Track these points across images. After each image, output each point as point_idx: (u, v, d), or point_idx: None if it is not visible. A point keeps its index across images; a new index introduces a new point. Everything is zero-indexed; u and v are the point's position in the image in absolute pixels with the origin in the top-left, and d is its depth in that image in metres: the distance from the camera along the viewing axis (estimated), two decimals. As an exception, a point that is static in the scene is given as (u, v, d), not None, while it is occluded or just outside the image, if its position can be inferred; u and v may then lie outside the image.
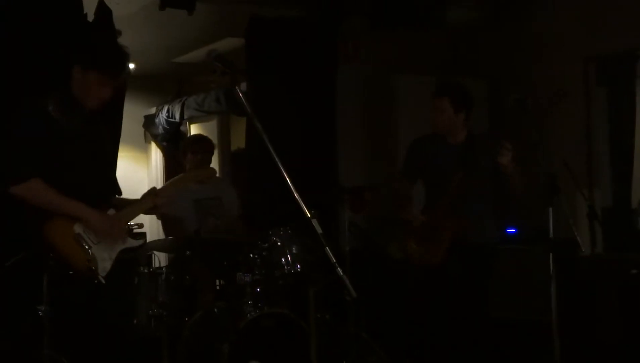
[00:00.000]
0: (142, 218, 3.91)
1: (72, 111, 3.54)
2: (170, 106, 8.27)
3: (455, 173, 4.47)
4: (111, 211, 3.66)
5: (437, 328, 4.66)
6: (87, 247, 3.53)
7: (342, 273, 2.77)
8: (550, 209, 4.33)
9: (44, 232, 3.50)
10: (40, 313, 4.46)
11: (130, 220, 3.75)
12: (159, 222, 5.54)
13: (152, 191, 3.90)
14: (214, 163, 5.92)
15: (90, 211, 3.56)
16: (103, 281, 3.53)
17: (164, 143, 8.51)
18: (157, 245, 5.04)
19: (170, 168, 8.26)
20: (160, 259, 5.11)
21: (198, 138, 6.17)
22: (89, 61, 3.53)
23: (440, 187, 4.57)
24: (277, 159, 3.00)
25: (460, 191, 4.45)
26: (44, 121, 3.49)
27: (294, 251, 4.69)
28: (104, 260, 3.58)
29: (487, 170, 4.46)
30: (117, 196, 3.84)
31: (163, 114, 8.33)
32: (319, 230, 2.84)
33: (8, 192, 3.48)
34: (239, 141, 7.71)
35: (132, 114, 7.79)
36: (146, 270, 4.44)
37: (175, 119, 8.22)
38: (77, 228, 3.55)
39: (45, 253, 3.51)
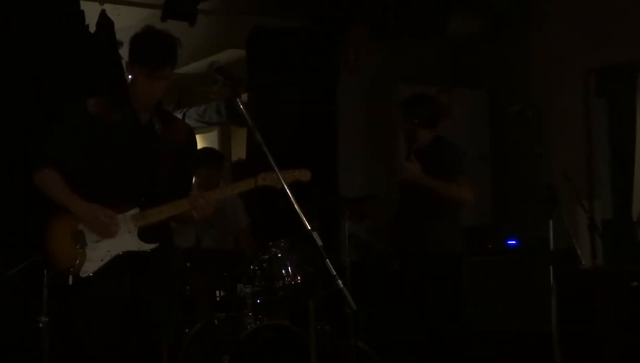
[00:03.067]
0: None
1: (116, 107, 3.45)
2: (171, 117, 8.26)
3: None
4: (134, 211, 3.41)
5: (430, 337, 4.71)
6: (79, 246, 3.35)
7: (342, 285, 2.76)
8: (551, 221, 4.32)
9: (48, 227, 3.42)
10: (40, 324, 4.46)
11: (155, 220, 3.43)
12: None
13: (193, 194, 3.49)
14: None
15: (81, 206, 3.37)
16: (70, 282, 3.31)
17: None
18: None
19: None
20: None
21: (201, 151, 5.46)
22: (130, 54, 3.44)
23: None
24: (277, 171, 3.00)
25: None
26: (76, 116, 3.45)
27: (294, 263, 4.69)
28: (92, 260, 3.36)
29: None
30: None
31: (164, 125, 8.31)
32: (320, 242, 2.83)
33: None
34: (239, 152, 7.70)
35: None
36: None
37: (176, 129, 8.20)
38: (82, 225, 3.38)
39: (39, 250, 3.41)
